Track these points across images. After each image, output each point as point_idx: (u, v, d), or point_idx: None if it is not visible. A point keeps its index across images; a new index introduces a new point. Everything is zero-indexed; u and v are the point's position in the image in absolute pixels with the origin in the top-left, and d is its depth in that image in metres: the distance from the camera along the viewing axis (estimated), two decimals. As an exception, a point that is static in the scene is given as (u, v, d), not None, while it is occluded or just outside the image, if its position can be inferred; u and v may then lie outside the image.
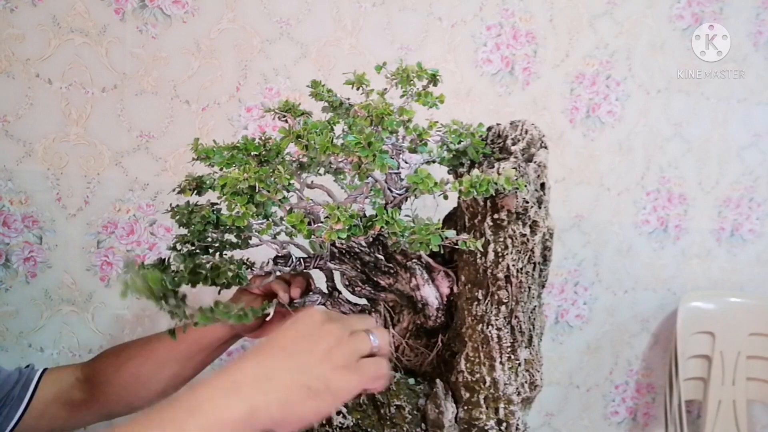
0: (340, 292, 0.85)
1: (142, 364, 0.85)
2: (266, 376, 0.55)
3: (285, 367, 0.56)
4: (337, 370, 0.57)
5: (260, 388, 0.54)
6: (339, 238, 0.64)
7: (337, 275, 0.83)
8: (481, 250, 0.71)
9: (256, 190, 0.66)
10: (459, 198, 0.77)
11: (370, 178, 0.68)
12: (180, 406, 0.51)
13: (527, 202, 0.72)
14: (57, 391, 0.86)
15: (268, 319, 0.76)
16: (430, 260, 0.76)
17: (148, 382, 0.85)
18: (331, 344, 0.59)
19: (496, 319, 0.73)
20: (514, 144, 0.77)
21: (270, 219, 0.71)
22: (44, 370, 0.88)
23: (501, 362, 0.73)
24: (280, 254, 0.77)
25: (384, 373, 0.62)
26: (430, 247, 0.65)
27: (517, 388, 0.74)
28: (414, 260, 0.76)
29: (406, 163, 0.75)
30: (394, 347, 0.81)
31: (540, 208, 0.75)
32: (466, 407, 0.73)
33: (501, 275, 0.72)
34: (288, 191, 0.69)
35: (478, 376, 0.73)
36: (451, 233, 0.66)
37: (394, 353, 0.80)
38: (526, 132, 0.77)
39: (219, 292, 0.75)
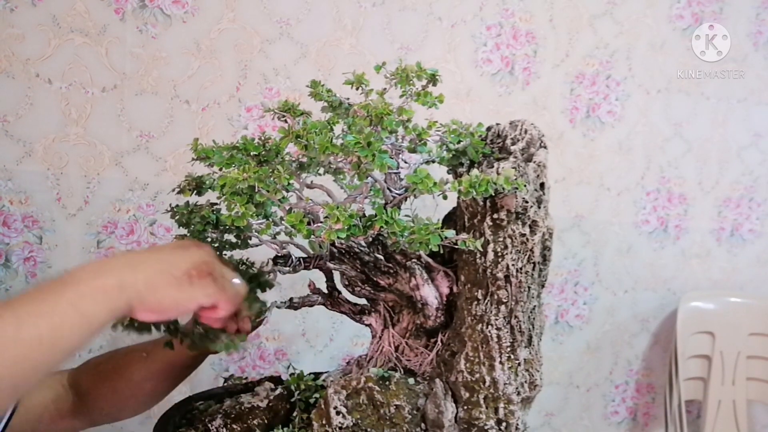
0: (339, 292, 0.85)
1: (118, 381, 0.86)
2: (137, 261, 0.63)
3: (155, 258, 0.64)
4: (202, 275, 0.62)
5: (130, 269, 0.60)
6: (338, 237, 0.64)
7: (336, 275, 0.83)
8: (481, 249, 0.71)
9: (256, 190, 0.66)
10: (458, 198, 0.77)
11: (369, 178, 0.68)
12: (56, 281, 0.58)
13: (527, 202, 0.72)
14: (44, 398, 0.86)
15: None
16: (430, 260, 0.76)
17: (127, 398, 0.88)
18: (204, 258, 0.64)
19: (496, 319, 0.73)
20: (513, 144, 0.77)
21: (269, 219, 0.71)
22: None
23: (501, 362, 0.73)
24: (279, 254, 0.77)
25: (237, 299, 0.67)
26: (430, 246, 0.65)
27: (517, 388, 0.74)
28: (413, 260, 0.76)
29: (405, 162, 0.75)
30: (393, 347, 0.81)
31: (539, 207, 0.74)
32: (465, 407, 0.73)
33: (500, 275, 0.72)
34: (287, 191, 0.69)
35: (477, 375, 0.73)
36: (450, 233, 0.66)
37: (393, 353, 0.80)
38: (526, 132, 0.77)
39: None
